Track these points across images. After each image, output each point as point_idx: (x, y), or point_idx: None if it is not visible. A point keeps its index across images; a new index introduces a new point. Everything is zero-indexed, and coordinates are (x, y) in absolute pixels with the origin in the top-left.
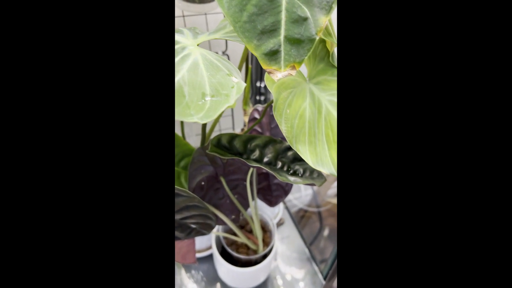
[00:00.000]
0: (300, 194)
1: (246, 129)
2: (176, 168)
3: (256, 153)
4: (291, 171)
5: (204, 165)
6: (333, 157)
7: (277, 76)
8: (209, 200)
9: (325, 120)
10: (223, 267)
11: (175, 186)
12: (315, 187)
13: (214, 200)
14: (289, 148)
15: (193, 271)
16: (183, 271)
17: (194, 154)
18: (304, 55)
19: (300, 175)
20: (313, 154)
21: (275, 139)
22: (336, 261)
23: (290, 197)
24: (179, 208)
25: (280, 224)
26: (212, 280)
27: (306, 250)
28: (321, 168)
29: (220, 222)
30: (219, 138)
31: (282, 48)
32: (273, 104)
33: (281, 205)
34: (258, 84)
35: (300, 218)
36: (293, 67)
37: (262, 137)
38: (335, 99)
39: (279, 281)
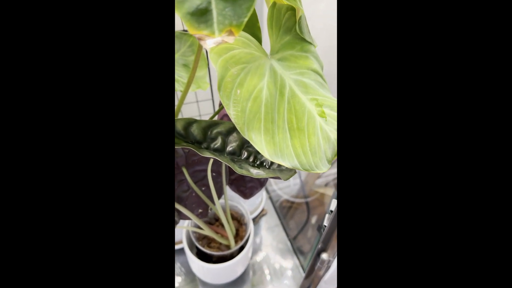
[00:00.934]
0: (289, 183)
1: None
2: None
3: (218, 142)
4: (257, 162)
5: None
6: (296, 148)
7: (207, 45)
8: None
9: (289, 104)
10: (194, 263)
11: None
12: (302, 177)
13: (177, 193)
14: None
15: None
16: None
17: None
18: (243, 16)
19: (267, 166)
20: (270, 144)
21: None
22: (314, 256)
23: (274, 187)
24: None
25: (262, 215)
26: (191, 272)
27: (288, 242)
28: (281, 160)
29: (184, 216)
30: None
31: (213, 6)
32: (217, 83)
33: (264, 195)
34: None
35: (287, 209)
36: (231, 32)
37: (225, 123)
38: (303, 79)
39: (265, 271)
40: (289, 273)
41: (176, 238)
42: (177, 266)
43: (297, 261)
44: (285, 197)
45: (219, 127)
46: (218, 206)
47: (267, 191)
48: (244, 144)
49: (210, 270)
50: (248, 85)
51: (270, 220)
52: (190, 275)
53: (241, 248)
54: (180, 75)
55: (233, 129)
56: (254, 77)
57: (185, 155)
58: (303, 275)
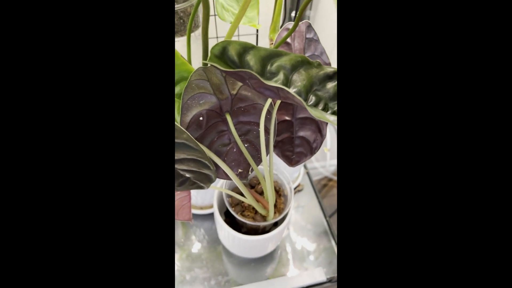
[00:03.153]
0: (325, 163)
1: None
2: None
3: (280, 78)
4: (329, 112)
5: (205, 93)
6: None
7: None
8: (210, 144)
9: None
10: (224, 230)
11: None
12: None
13: (216, 146)
14: (330, 77)
15: (194, 228)
16: (180, 230)
17: (192, 76)
18: None
19: None
20: None
21: (311, 61)
22: None
23: (315, 164)
24: None
25: (297, 190)
26: (215, 240)
27: (325, 223)
28: None
29: (222, 175)
30: (224, 46)
31: None
32: None
33: (301, 170)
34: (293, 14)
35: (322, 187)
36: None
37: (291, 55)
38: None
39: (295, 252)
40: (323, 256)
41: (206, 201)
42: (201, 232)
43: (333, 244)
44: (326, 174)
45: (282, 60)
46: (266, 169)
47: (305, 167)
48: (313, 86)
49: (241, 241)
50: None
51: (306, 198)
52: (214, 244)
53: (276, 224)
54: (231, 5)
55: (300, 64)
56: None
57: (231, 98)
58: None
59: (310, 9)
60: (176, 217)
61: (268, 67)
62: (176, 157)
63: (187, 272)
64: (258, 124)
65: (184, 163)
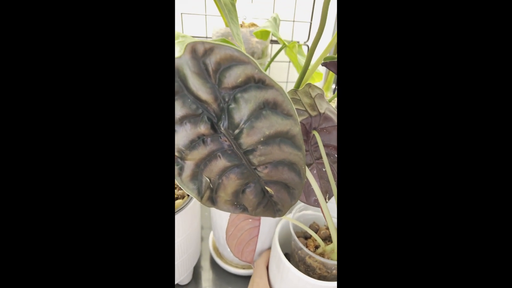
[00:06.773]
0: None
1: None
2: None
3: None
4: None
5: (298, 109)
6: None
7: None
8: None
9: None
10: (291, 277)
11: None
12: None
13: None
14: None
15: None
16: None
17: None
18: None
19: None
20: None
21: None
22: None
23: None
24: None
25: None
26: None
27: None
28: None
29: (304, 197)
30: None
31: None
32: None
33: None
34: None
35: None
36: None
37: None
38: None
39: None
40: None
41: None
42: None
43: None
44: None
45: None
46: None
47: None
48: None
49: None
50: None
51: None
52: None
53: None
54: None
55: None
56: None
57: (320, 116)
58: None
59: None
60: (240, 255)
61: None
62: (275, 158)
63: None
64: (336, 148)
65: (279, 168)
